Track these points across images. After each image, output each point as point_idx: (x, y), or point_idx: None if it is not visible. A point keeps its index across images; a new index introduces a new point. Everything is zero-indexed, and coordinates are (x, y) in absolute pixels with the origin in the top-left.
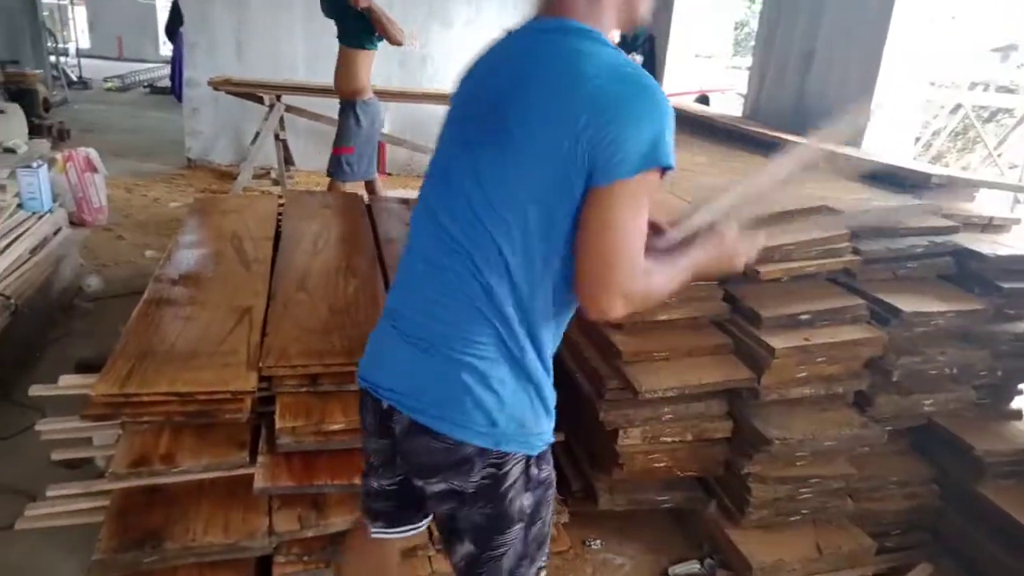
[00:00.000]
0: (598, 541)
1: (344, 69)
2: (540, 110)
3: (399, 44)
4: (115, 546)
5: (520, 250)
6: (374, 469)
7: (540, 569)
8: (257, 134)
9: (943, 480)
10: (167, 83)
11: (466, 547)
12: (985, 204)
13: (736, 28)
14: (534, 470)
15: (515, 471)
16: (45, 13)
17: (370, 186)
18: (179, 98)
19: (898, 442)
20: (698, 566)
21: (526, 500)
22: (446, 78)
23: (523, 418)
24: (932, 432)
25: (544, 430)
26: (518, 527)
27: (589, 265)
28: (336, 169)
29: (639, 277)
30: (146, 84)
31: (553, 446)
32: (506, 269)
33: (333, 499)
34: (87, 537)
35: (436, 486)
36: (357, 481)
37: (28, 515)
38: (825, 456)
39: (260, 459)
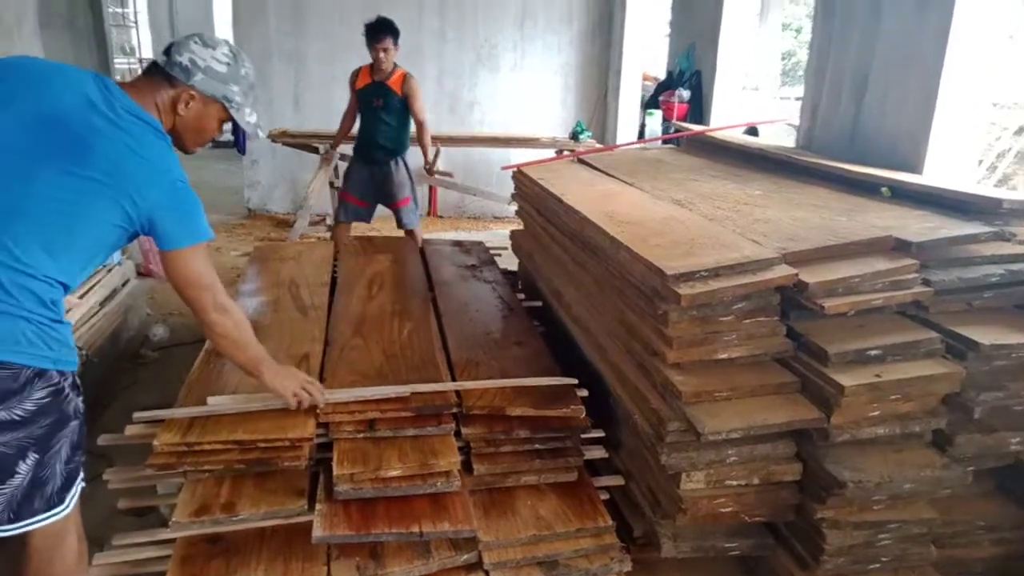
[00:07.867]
0: None
1: None
2: None
3: None
4: None
5: None
6: None
7: None
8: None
9: None
10: (229, 137)
11: None
12: None
13: (783, 59)
14: None
15: None
16: (117, 77)
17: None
18: (242, 151)
19: (983, 483)
20: None
21: None
22: (494, 121)
23: None
24: (1022, 472)
25: None
26: None
27: None
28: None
29: None
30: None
31: (611, 490)
32: None
33: (391, 547)
34: None
35: None
36: (416, 529)
37: (96, 564)
38: (904, 499)
39: (318, 507)
